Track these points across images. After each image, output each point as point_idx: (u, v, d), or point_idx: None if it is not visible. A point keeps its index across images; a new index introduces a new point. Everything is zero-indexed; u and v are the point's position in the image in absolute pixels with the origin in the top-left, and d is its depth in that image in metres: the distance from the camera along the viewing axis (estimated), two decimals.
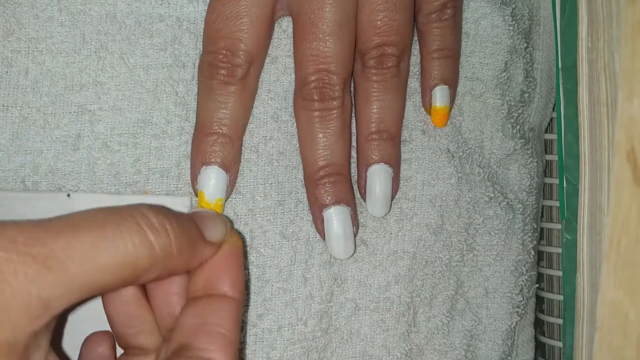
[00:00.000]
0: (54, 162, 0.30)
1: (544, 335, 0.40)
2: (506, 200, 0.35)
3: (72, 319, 0.29)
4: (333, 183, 0.30)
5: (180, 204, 0.30)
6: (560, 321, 0.39)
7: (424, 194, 0.33)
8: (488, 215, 0.35)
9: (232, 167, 0.30)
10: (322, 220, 0.30)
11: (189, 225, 0.24)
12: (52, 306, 0.20)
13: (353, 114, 0.32)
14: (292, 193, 0.32)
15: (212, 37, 0.29)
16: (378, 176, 0.31)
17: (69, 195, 0.29)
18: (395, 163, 0.32)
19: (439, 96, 0.32)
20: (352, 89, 0.32)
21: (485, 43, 0.35)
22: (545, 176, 0.40)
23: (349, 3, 0.29)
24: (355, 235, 0.31)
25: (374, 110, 0.31)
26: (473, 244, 0.35)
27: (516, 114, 0.36)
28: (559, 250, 0.39)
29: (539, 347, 0.40)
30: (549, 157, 0.40)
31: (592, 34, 0.30)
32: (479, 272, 0.35)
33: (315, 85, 0.29)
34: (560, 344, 0.39)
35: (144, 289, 0.27)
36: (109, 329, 0.28)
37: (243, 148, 0.31)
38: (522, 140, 0.36)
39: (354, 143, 0.32)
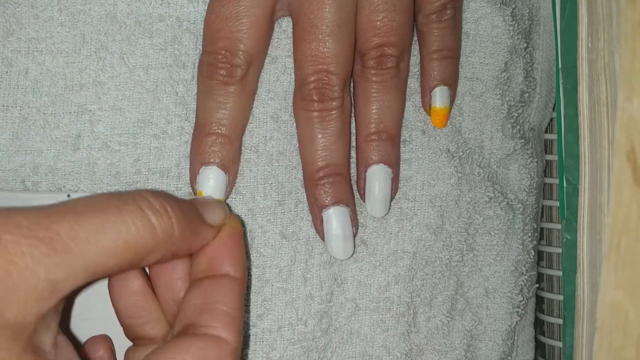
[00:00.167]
0: (54, 162, 0.30)
1: (544, 335, 0.40)
2: (506, 200, 0.35)
3: (80, 301, 0.29)
4: (332, 183, 0.30)
5: None
6: (560, 321, 0.39)
7: (424, 194, 0.33)
8: (488, 215, 0.35)
9: (231, 168, 0.30)
10: (322, 221, 0.30)
11: (190, 208, 0.25)
12: (59, 287, 0.21)
13: (353, 114, 0.32)
14: (292, 193, 0.32)
15: (212, 38, 0.29)
16: (377, 177, 0.31)
17: (69, 195, 0.29)
18: (394, 163, 0.32)
19: (439, 97, 0.33)
20: (352, 89, 0.32)
21: (485, 43, 0.35)
22: (545, 176, 0.40)
23: (349, 3, 0.29)
24: (354, 235, 0.31)
25: (374, 111, 0.31)
26: (473, 244, 0.35)
27: (516, 114, 0.36)
28: (559, 250, 0.39)
29: (539, 347, 0.40)
30: (549, 157, 0.40)
31: (592, 34, 0.30)
32: (479, 272, 0.35)
33: (314, 85, 0.29)
34: (560, 344, 0.39)
35: (149, 280, 0.28)
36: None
37: (243, 148, 0.31)
38: (522, 140, 0.36)
39: (353, 143, 0.32)
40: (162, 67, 0.30)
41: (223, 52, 0.29)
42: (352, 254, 0.31)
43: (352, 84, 0.32)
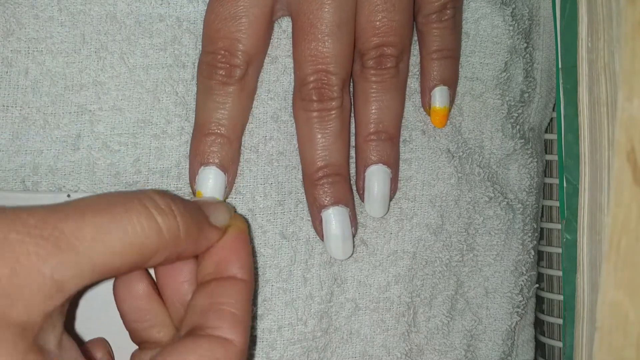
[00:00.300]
0: (54, 162, 0.30)
1: (544, 335, 0.40)
2: (506, 200, 0.35)
3: (84, 302, 0.29)
4: (331, 183, 0.30)
5: None
6: (560, 321, 0.39)
7: (424, 194, 0.33)
8: (488, 215, 0.35)
9: (230, 168, 0.30)
10: (321, 221, 0.30)
11: (195, 209, 0.25)
12: (65, 287, 0.21)
13: (353, 114, 0.32)
14: (292, 193, 0.32)
15: (211, 38, 0.29)
16: (376, 177, 0.31)
17: (69, 195, 0.29)
18: (393, 164, 0.32)
19: (439, 97, 0.32)
20: (351, 89, 0.32)
21: (485, 43, 0.35)
22: (545, 176, 0.40)
23: (348, 3, 0.29)
24: (353, 235, 0.31)
25: (373, 111, 0.31)
26: (473, 244, 0.35)
27: (516, 114, 0.36)
28: (559, 250, 0.39)
29: (539, 347, 0.40)
30: (549, 157, 0.40)
31: (592, 34, 0.30)
32: (479, 272, 0.35)
33: (313, 85, 0.29)
34: (560, 344, 0.39)
35: (154, 283, 0.28)
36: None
37: (243, 148, 0.31)
38: (522, 140, 0.36)
39: (353, 143, 0.32)
40: (162, 67, 0.30)
41: (222, 52, 0.29)
42: (352, 254, 0.31)
43: (352, 84, 0.32)
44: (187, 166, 0.30)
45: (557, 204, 0.39)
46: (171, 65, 0.30)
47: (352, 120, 0.32)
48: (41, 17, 0.30)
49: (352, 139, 0.32)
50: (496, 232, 0.35)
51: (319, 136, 0.30)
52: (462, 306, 0.35)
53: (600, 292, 0.29)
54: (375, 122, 0.31)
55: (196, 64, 0.30)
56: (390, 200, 0.32)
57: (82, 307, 0.29)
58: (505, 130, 0.36)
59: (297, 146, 0.31)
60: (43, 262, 0.20)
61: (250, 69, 0.30)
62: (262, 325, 0.31)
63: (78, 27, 0.30)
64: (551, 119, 0.40)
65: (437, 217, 0.34)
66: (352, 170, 0.32)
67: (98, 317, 0.29)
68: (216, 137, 0.29)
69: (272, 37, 0.31)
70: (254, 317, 0.31)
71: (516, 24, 0.36)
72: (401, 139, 0.33)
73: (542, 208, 0.40)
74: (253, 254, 0.31)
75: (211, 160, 0.29)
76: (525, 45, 0.36)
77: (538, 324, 0.40)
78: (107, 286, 0.28)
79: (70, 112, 0.30)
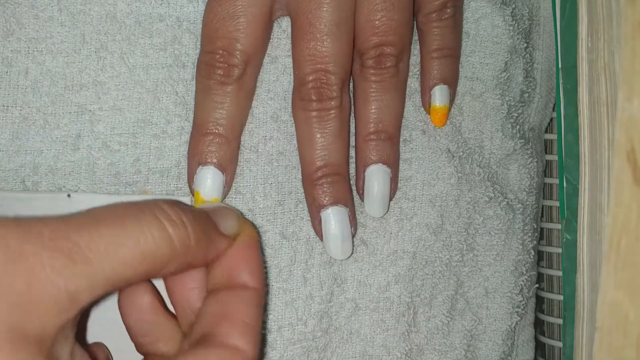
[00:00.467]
0: (54, 162, 0.30)
1: (544, 335, 0.40)
2: (506, 200, 0.35)
3: (93, 312, 0.29)
4: (331, 183, 0.30)
5: None
6: (560, 321, 0.39)
7: (424, 194, 0.33)
8: (488, 215, 0.35)
9: (228, 167, 0.30)
10: (320, 221, 0.30)
11: (204, 218, 0.25)
12: (79, 299, 0.21)
13: (353, 114, 0.32)
14: (292, 193, 0.32)
15: (209, 37, 0.29)
16: (376, 176, 0.31)
17: (69, 195, 0.29)
18: (393, 163, 0.32)
19: (438, 96, 0.32)
20: (351, 89, 0.32)
21: (485, 43, 0.35)
22: (545, 176, 0.40)
23: (347, 3, 0.29)
24: (353, 235, 0.31)
25: (373, 111, 0.31)
26: (473, 244, 0.35)
27: (516, 114, 0.36)
28: (559, 250, 0.39)
29: (539, 347, 0.40)
30: (549, 157, 0.40)
31: (592, 34, 0.30)
32: (479, 272, 0.35)
33: (313, 85, 0.29)
34: (560, 344, 0.39)
35: (159, 295, 0.28)
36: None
37: (243, 148, 0.31)
38: (522, 140, 0.36)
39: (353, 143, 0.32)
40: (162, 67, 0.30)
41: (220, 51, 0.29)
42: (351, 254, 0.31)
43: (352, 84, 0.32)
44: None
45: (557, 204, 0.39)
46: (171, 65, 0.30)
47: (352, 120, 0.32)
48: (41, 17, 0.30)
49: (352, 138, 0.32)
50: (496, 232, 0.35)
51: (318, 136, 0.30)
52: (462, 306, 0.35)
53: (600, 292, 0.29)
54: (375, 121, 0.31)
55: (196, 64, 0.30)
56: (390, 200, 0.32)
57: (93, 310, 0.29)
58: (505, 130, 0.36)
59: (297, 146, 0.31)
60: (58, 274, 0.20)
61: (249, 68, 0.30)
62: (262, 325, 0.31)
63: (78, 27, 0.30)
64: (551, 119, 0.40)
65: (437, 217, 0.34)
66: (352, 170, 0.32)
67: (99, 319, 0.29)
68: (214, 137, 0.29)
69: (271, 36, 0.31)
70: None
71: (516, 24, 0.36)
72: (401, 139, 0.33)
73: (542, 208, 0.40)
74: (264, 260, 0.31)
75: (209, 160, 0.29)
76: (525, 45, 0.36)
77: (538, 324, 0.40)
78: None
79: (70, 112, 0.30)
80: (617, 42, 0.28)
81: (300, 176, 0.32)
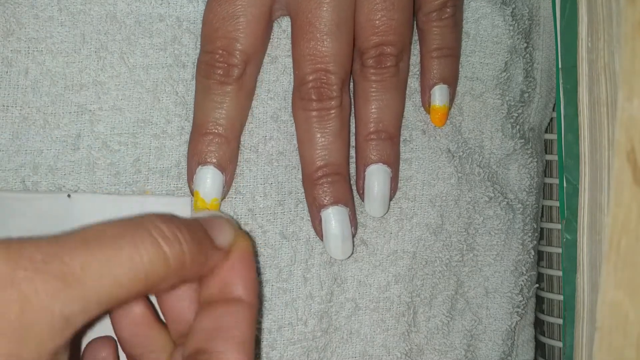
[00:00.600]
0: (54, 162, 0.30)
1: (544, 335, 0.40)
2: (506, 200, 0.35)
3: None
4: (331, 183, 0.30)
5: (181, 205, 0.30)
6: (560, 321, 0.39)
7: (424, 194, 0.33)
8: (488, 215, 0.35)
9: (228, 167, 0.30)
10: (320, 221, 0.30)
11: (199, 232, 0.24)
12: (72, 322, 0.20)
13: (353, 114, 0.32)
14: (292, 193, 0.32)
15: (209, 37, 0.29)
16: (376, 176, 0.31)
17: (69, 195, 0.29)
18: (393, 163, 0.32)
19: (438, 95, 0.32)
20: (351, 89, 0.32)
21: (485, 43, 0.35)
22: (545, 176, 0.40)
23: (347, 2, 0.29)
24: (353, 235, 0.31)
25: (373, 110, 0.31)
26: (473, 244, 0.35)
27: (516, 114, 0.36)
28: (559, 250, 0.39)
29: (539, 347, 0.40)
30: (549, 157, 0.40)
31: (592, 34, 0.30)
32: (479, 272, 0.35)
33: (313, 85, 0.29)
34: (560, 344, 0.39)
35: (151, 306, 0.28)
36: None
37: (243, 148, 0.31)
38: (522, 140, 0.36)
39: (353, 143, 0.32)
40: (162, 67, 0.30)
41: (220, 51, 0.29)
42: (351, 254, 0.31)
43: (352, 83, 0.32)
44: None
45: (557, 204, 0.39)
46: (171, 65, 0.30)
47: (353, 119, 0.32)
48: (41, 17, 0.30)
49: (352, 138, 0.32)
50: (496, 232, 0.35)
51: (318, 135, 0.30)
52: (462, 306, 0.35)
53: (600, 292, 0.29)
54: (375, 121, 0.31)
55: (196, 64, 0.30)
56: (390, 199, 0.32)
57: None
58: (505, 130, 0.36)
59: (297, 146, 0.31)
60: (51, 299, 0.20)
61: (249, 68, 0.30)
62: (262, 325, 0.31)
63: (78, 27, 0.30)
64: (551, 119, 0.40)
65: (437, 217, 0.34)
66: (352, 170, 0.32)
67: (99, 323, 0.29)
68: (214, 137, 0.29)
69: (271, 36, 0.31)
70: None
71: (516, 24, 0.36)
72: (401, 139, 0.33)
73: (542, 208, 0.40)
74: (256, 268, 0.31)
75: (209, 160, 0.29)
76: (525, 45, 0.36)
77: (538, 324, 0.40)
78: None
79: (70, 112, 0.30)
80: (617, 42, 0.28)
81: (300, 176, 0.32)
